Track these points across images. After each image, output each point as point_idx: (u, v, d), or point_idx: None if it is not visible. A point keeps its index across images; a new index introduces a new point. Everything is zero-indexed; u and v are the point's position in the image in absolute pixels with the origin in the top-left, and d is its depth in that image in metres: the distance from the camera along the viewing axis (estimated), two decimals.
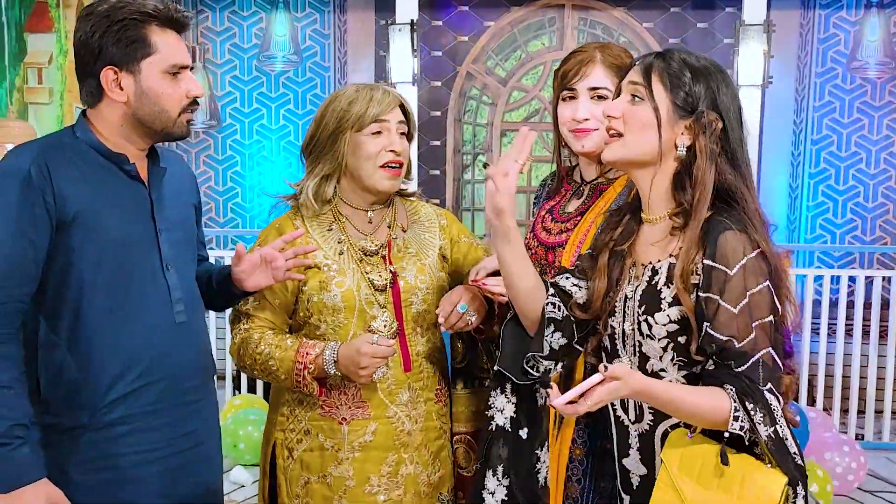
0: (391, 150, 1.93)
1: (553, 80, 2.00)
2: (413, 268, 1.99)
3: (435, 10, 5.19)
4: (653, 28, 5.11)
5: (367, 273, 1.96)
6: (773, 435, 1.45)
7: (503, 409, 1.84)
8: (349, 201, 2.01)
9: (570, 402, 1.42)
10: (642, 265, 1.61)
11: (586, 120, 1.91)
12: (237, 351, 1.97)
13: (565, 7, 5.14)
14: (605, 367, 1.41)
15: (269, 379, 1.94)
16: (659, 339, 1.55)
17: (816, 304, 4.52)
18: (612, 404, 1.67)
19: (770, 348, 1.49)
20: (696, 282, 1.50)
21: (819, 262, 5.14)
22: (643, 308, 1.57)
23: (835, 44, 5.08)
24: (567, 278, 1.72)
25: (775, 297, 1.51)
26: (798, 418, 1.66)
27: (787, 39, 5.02)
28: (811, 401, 4.57)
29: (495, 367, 1.80)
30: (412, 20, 4.54)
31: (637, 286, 1.60)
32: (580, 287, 1.70)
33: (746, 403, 1.44)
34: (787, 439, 1.47)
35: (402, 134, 1.98)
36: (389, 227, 2.03)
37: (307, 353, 1.88)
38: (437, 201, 5.28)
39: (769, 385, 1.46)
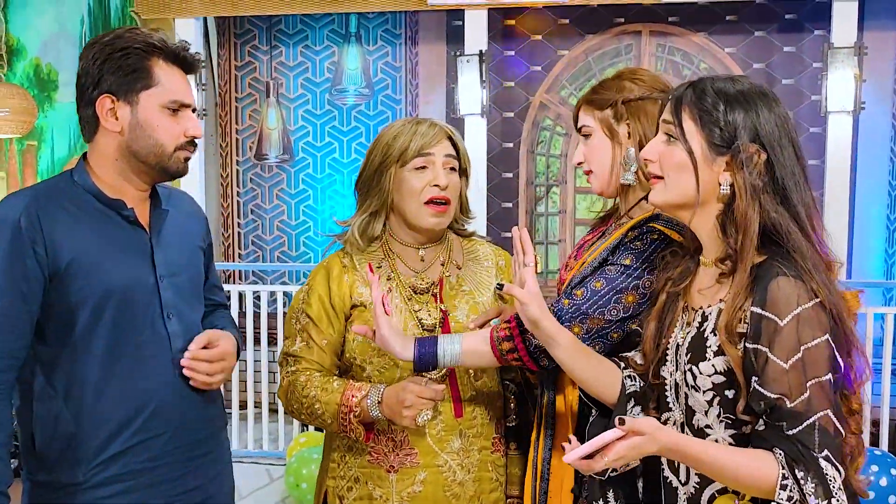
0: (435, 185, 1.84)
1: None
2: (465, 306, 1.90)
3: (507, 41, 5.09)
4: (735, 53, 4.89)
5: (415, 312, 1.86)
6: None
7: None
8: (399, 238, 1.93)
9: (587, 458, 1.31)
10: (693, 310, 1.49)
11: (580, 163, 1.85)
12: (284, 395, 1.89)
13: (642, 34, 4.97)
14: (622, 421, 1.27)
15: (317, 423, 1.85)
16: (704, 392, 1.42)
17: None
18: (661, 463, 1.54)
19: (829, 410, 1.33)
20: (743, 331, 1.37)
21: None
22: (689, 356, 1.44)
23: None
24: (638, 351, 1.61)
25: (836, 353, 1.36)
26: (867, 488, 1.46)
27: (882, 62, 4.72)
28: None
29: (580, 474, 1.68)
30: (481, 51, 4.46)
31: (688, 332, 1.47)
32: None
33: (796, 471, 1.30)
34: None
35: (452, 169, 1.88)
36: (443, 264, 1.93)
37: (352, 396, 1.79)
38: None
39: (826, 452, 1.31)
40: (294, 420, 4.61)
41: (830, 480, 1.30)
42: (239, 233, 5.46)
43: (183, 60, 1.74)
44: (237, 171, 5.42)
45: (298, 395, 1.85)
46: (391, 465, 1.85)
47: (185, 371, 1.72)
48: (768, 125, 1.41)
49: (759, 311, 1.35)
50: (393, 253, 1.92)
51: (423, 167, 1.85)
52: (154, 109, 1.69)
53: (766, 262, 1.38)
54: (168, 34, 1.77)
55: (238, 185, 5.43)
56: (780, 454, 1.31)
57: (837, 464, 1.32)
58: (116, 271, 1.68)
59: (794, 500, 1.30)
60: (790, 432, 1.32)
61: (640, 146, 1.76)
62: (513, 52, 5.10)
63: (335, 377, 1.88)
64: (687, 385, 1.45)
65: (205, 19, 5.06)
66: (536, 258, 1.62)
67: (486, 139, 4.79)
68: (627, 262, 1.71)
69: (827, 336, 1.34)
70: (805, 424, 1.31)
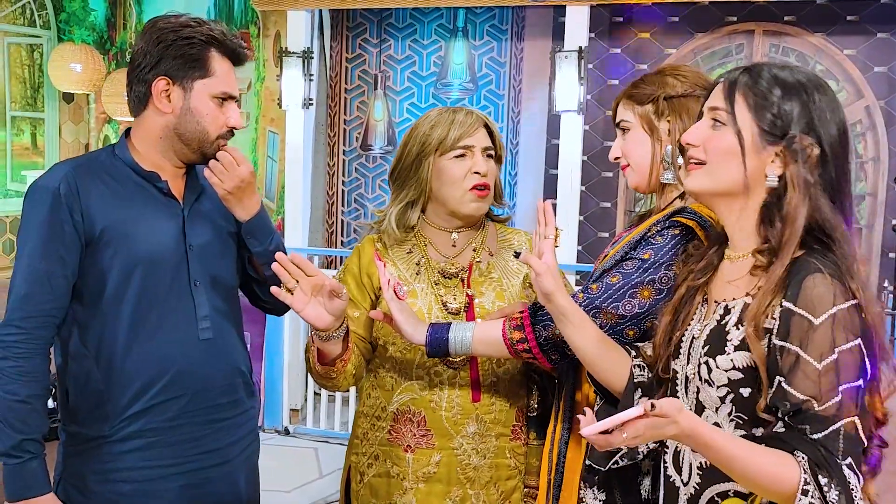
0: (476, 172, 1.88)
1: None
2: (492, 293, 1.92)
3: (613, 38, 5.02)
4: (855, 56, 4.64)
5: (441, 295, 1.90)
6: None
7: None
8: (433, 223, 1.96)
9: (604, 433, 1.26)
10: (715, 302, 1.45)
11: (617, 158, 1.83)
12: (306, 357, 1.92)
13: (755, 33, 4.79)
14: (652, 406, 1.22)
15: (321, 381, 1.88)
16: (717, 387, 1.38)
17: None
18: (665, 461, 1.51)
19: (856, 417, 1.28)
20: (770, 327, 1.32)
21: None
22: (707, 349, 1.40)
23: None
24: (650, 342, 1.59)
25: (866, 359, 1.30)
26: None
27: None
28: None
29: (585, 462, 1.68)
30: (580, 47, 4.41)
31: (706, 325, 1.43)
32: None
33: (820, 477, 1.24)
34: None
35: (489, 156, 1.92)
36: (475, 250, 1.96)
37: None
38: (606, 234, 5.08)
39: (849, 460, 1.26)
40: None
41: (853, 489, 1.25)
42: (342, 220, 5.62)
43: (235, 54, 1.83)
44: (343, 160, 5.58)
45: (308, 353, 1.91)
46: (408, 445, 1.88)
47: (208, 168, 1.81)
48: (824, 119, 1.36)
49: (791, 306, 1.30)
50: (425, 238, 1.96)
51: (462, 155, 1.88)
52: (205, 98, 1.80)
53: (803, 258, 1.33)
54: (227, 28, 1.85)
55: (343, 175, 5.59)
56: (803, 458, 1.25)
57: (859, 472, 1.27)
58: (146, 240, 1.78)
59: None
60: (815, 436, 1.27)
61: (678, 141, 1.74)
62: (619, 50, 5.03)
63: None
64: (700, 379, 1.41)
65: (319, 12, 5.23)
66: (557, 231, 1.60)
67: (584, 137, 4.74)
68: (646, 256, 1.69)
69: (860, 340, 1.29)
70: (831, 430, 1.26)
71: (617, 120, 1.84)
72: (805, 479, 1.24)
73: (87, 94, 6.06)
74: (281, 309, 2.05)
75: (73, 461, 1.80)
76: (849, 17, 4.63)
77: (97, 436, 1.78)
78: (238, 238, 1.93)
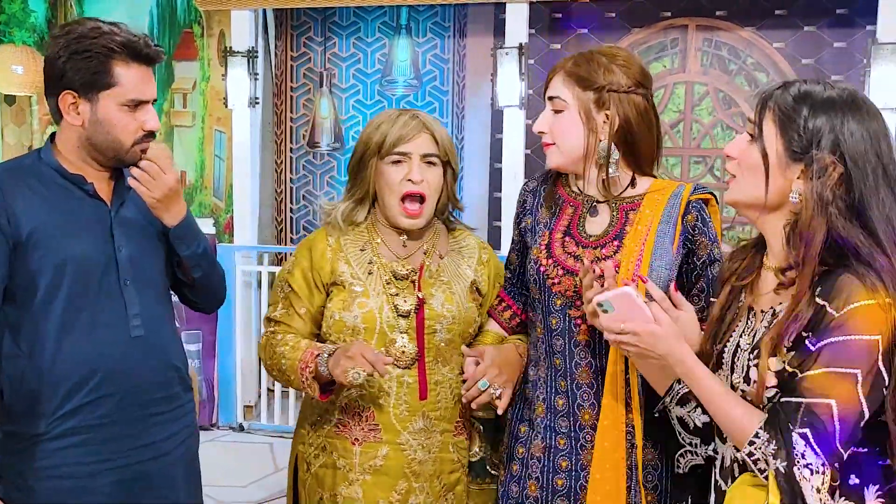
0: (409, 180, 1.88)
1: None
2: (441, 295, 1.94)
3: (553, 34, 5.14)
4: (784, 48, 4.82)
5: (392, 296, 1.91)
6: (784, 471, 1.31)
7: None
8: (384, 222, 1.98)
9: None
10: (762, 311, 1.47)
11: (542, 133, 1.82)
12: (262, 351, 1.99)
13: (688, 28, 4.95)
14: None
15: (283, 380, 1.94)
16: (767, 388, 1.39)
17: None
18: (715, 468, 1.54)
19: (835, 403, 1.30)
20: (805, 335, 1.35)
21: None
22: (756, 353, 1.42)
23: None
24: None
25: (884, 370, 1.32)
26: None
27: None
28: None
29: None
30: (521, 44, 4.52)
31: (753, 335, 1.46)
32: None
33: (767, 433, 1.34)
34: (804, 485, 1.30)
35: (430, 163, 1.91)
36: (426, 252, 1.98)
37: (313, 353, 1.86)
38: None
39: (805, 430, 1.30)
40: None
41: (796, 456, 1.30)
42: (291, 217, 5.66)
43: (144, 57, 1.81)
44: (290, 158, 5.62)
45: (271, 352, 1.94)
46: (356, 438, 1.92)
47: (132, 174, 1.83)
48: (853, 137, 1.33)
49: (821, 302, 1.33)
50: (378, 235, 1.97)
51: (399, 161, 1.89)
52: (113, 108, 1.79)
53: (833, 269, 1.34)
54: (131, 31, 1.82)
55: (291, 172, 5.63)
56: (763, 417, 1.35)
57: (822, 455, 1.30)
58: (74, 242, 1.80)
59: (754, 458, 1.34)
60: (781, 399, 1.34)
61: (618, 137, 1.78)
62: (558, 46, 5.15)
63: (307, 340, 1.95)
64: (748, 382, 1.42)
65: (263, 11, 5.26)
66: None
67: (527, 131, 4.85)
68: (717, 251, 1.80)
69: (879, 337, 1.30)
70: (796, 400, 1.32)
71: (551, 94, 1.80)
72: (757, 431, 1.34)
73: (30, 96, 6.01)
74: (212, 308, 2.11)
75: (12, 459, 1.82)
76: (777, 12, 4.81)
77: (33, 434, 1.81)
78: (167, 238, 1.96)
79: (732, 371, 1.47)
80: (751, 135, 1.42)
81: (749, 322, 1.49)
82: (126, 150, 1.83)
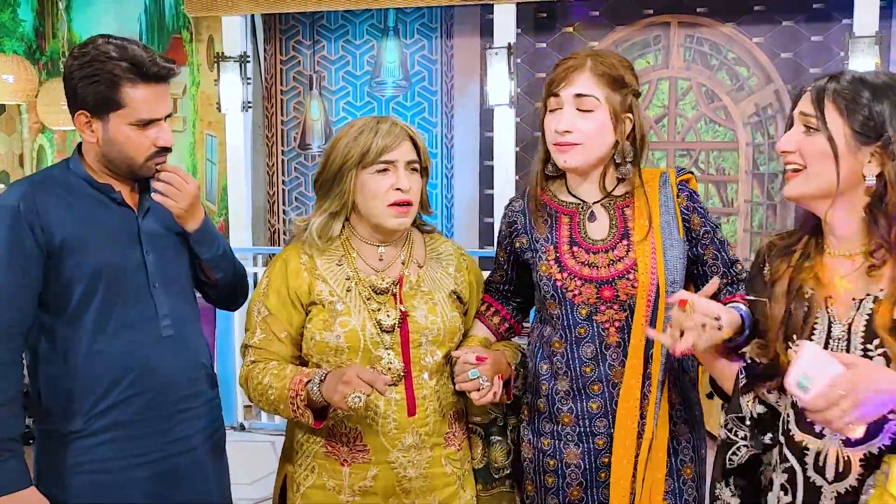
0: (398, 189, 1.83)
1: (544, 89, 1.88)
2: (424, 307, 1.88)
3: (539, 33, 5.25)
4: (763, 43, 4.96)
5: (374, 312, 1.85)
6: None
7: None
8: (360, 235, 1.92)
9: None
10: (855, 299, 1.46)
11: (567, 133, 1.77)
12: (245, 383, 1.91)
13: (671, 25, 5.07)
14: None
15: (272, 411, 1.87)
16: None
17: None
18: (804, 463, 1.49)
19: None
20: None
21: None
22: (872, 342, 1.41)
23: None
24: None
25: None
26: None
27: None
28: None
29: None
30: (509, 44, 4.62)
31: (849, 323, 1.45)
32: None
33: None
34: None
35: (413, 169, 1.87)
36: (404, 262, 1.92)
37: (301, 381, 1.79)
38: None
39: None
40: None
41: None
42: (284, 219, 5.73)
43: (154, 76, 1.84)
44: (282, 160, 5.70)
45: (255, 383, 1.87)
46: (344, 459, 1.86)
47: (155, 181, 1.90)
48: None
49: None
50: (353, 250, 1.90)
51: (385, 170, 1.83)
52: (123, 128, 1.84)
53: None
54: (141, 51, 1.84)
55: (283, 174, 5.71)
56: None
57: None
58: (105, 249, 1.88)
59: None
60: None
61: (632, 140, 1.82)
62: (545, 45, 5.26)
63: (290, 365, 1.88)
64: None
65: (252, 16, 5.33)
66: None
67: (517, 129, 4.96)
68: (713, 221, 1.88)
69: None
70: None
71: (580, 92, 1.75)
72: None
73: (19, 105, 6.04)
74: (236, 305, 2.19)
75: (49, 457, 1.90)
76: (756, 8, 4.94)
77: (69, 431, 1.88)
78: (188, 242, 2.02)
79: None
80: (807, 126, 1.44)
81: (829, 312, 1.48)
82: (140, 166, 1.89)
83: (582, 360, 1.85)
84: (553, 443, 1.90)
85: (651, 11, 5.08)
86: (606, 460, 1.85)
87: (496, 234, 5.01)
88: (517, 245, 1.94)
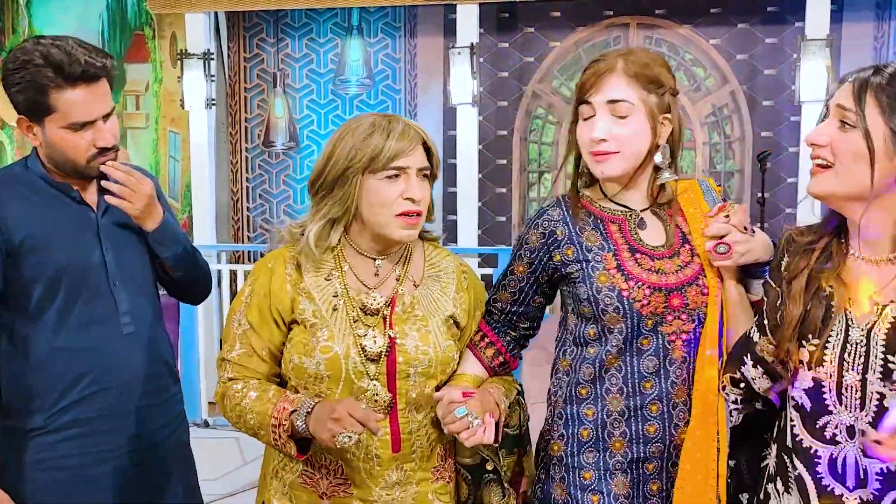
0: (408, 199, 1.64)
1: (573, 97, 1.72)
2: (416, 334, 1.69)
3: (501, 33, 5.32)
4: (720, 45, 5.08)
5: (360, 337, 1.66)
6: None
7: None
8: (356, 246, 1.73)
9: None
10: (876, 304, 1.37)
11: (603, 141, 1.63)
12: (220, 401, 1.74)
13: (630, 26, 5.17)
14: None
15: (252, 435, 1.69)
16: None
17: None
18: (816, 471, 1.42)
19: None
20: None
21: None
22: (885, 347, 1.34)
23: None
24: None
25: None
26: None
27: (860, 53, 4.89)
28: None
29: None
30: (472, 43, 4.69)
31: (868, 328, 1.37)
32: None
33: None
34: None
35: (425, 176, 1.69)
36: (398, 279, 1.73)
37: (284, 408, 1.62)
38: (504, 219, 5.39)
39: None
40: None
41: None
42: (248, 216, 5.75)
43: (83, 77, 1.78)
44: (246, 157, 5.71)
45: (233, 403, 1.69)
46: (324, 492, 1.71)
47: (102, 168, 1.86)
48: None
49: None
50: (346, 263, 1.73)
51: (396, 176, 1.64)
52: (57, 132, 1.82)
53: None
54: (69, 52, 1.78)
55: (247, 172, 5.72)
56: None
57: None
58: (65, 248, 1.87)
59: None
60: None
61: (671, 141, 1.70)
62: (507, 44, 5.33)
63: (273, 386, 1.71)
64: (889, 377, 1.33)
65: (215, 14, 5.33)
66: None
67: (480, 127, 5.03)
68: None
69: None
70: None
71: (614, 97, 1.62)
72: None
73: None
74: (197, 301, 2.19)
75: (11, 454, 1.89)
76: (712, 10, 5.06)
77: (31, 428, 1.88)
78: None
79: (844, 369, 1.37)
80: (842, 121, 1.34)
81: (848, 316, 1.39)
82: (83, 167, 1.87)
83: (642, 374, 1.69)
84: (598, 474, 1.71)
85: (611, 13, 5.18)
86: (656, 487, 1.71)
87: (458, 232, 5.05)
88: (557, 258, 1.72)
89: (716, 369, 1.63)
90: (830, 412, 1.39)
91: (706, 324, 1.67)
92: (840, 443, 1.39)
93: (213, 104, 5.13)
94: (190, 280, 2.11)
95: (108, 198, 1.88)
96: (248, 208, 5.74)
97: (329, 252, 1.72)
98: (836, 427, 1.39)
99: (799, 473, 1.43)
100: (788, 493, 1.47)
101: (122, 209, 1.90)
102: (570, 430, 1.74)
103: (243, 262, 5.64)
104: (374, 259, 1.73)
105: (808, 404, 1.42)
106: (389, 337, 1.67)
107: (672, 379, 1.69)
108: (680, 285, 1.67)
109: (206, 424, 4.99)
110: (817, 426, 1.40)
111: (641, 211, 1.73)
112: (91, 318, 1.90)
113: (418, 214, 1.67)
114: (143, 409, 1.97)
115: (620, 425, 1.70)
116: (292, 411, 1.60)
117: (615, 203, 1.74)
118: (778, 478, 1.50)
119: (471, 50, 4.67)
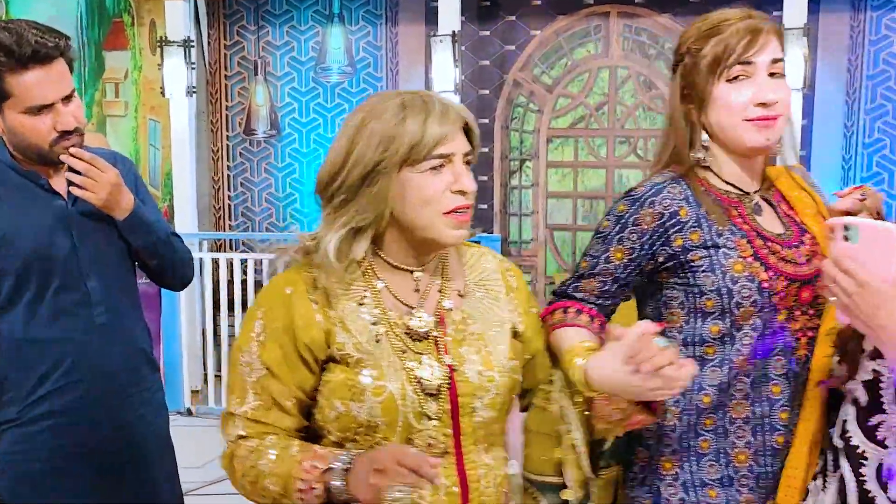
0: (458, 191, 1.32)
1: (691, 59, 1.51)
2: (476, 357, 1.37)
3: (482, 21, 5.34)
4: None
5: (412, 370, 1.33)
6: None
7: None
8: (390, 258, 1.39)
9: None
10: None
11: (774, 103, 1.45)
12: (229, 466, 1.39)
13: (610, 15, 5.21)
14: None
15: (269, 503, 1.35)
16: None
17: None
18: (860, 474, 1.34)
19: None
20: None
21: None
22: None
23: (887, 45, 4.98)
24: None
25: None
26: None
27: (837, 43, 4.96)
28: None
29: None
30: (454, 31, 4.70)
31: None
32: None
33: None
34: None
35: (467, 162, 1.36)
36: (441, 291, 1.41)
37: (314, 467, 1.29)
38: (485, 206, 5.42)
39: None
40: None
41: None
42: (229, 205, 5.74)
43: (36, 58, 1.73)
44: (227, 145, 5.70)
45: (245, 466, 1.35)
46: None
47: (63, 158, 1.79)
48: None
49: None
50: (378, 281, 1.38)
51: (441, 166, 1.31)
52: (16, 117, 1.77)
53: None
54: (19, 35, 1.72)
55: (228, 160, 5.71)
56: None
57: None
58: (35, 239, 1.84)
59: None
60: None
61: None
62: (488, 33, 5.35)
63: (296, 441, 1.36)
64: None
65: (194, 0, 5.31)
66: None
67: None
68: None
69: None
70: None
71: (777, 56, 1.47)
72: None
73: None
74: (178, 287, 2.15)
75: None
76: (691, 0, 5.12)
77: (4, 420, 1.86)
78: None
79: None
80: None
81: None
82: (47, 152, 1.82)
83: (770, 377, 1.49)
84: (723, 492, 1.50)
85: (591, 1, 5.22)
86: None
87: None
88: (678, 243, 1.48)
89: (830, 349, 1.47)
90: (884, 411, 1.31)
91: (824, 320, 1.50)
92: (889, 447, 1.30)
93: (194, 92, 5.11)
94: (167, 267, 2.07)
95: (71, 188, 1.84)
96: (229, 196, 5.74)
97: (355, 268, 1.37)
98: (888, 429, 1.31)
99: (842, 474, 1.36)
100: (824, 491, 1.40)
101: (85, 199, 1.85)
102: (685, 443, 1.52)
103: (225, 251, 5.63)
104: (412, 271, 1.40)
105: (863, 398, 1.34)
106: (448, 365, 1.35)
107: (801, 380, 1.50)
108: (812, 276, 1.48)
109: (190, 413, 5.00)
110: (869, 424, 1.33)
111: (754, 193, 1.54)
112: (63, 308, 1.88)
113: (468, 209, 1.35)
114: (118, 400, 1.95)
115: (745, 435, 1.50)
116: (325, 470, 1.28)
117: (727, 184, 1.53)
118: (819, 475, 1.43)
119: (452, 38, 4.69)
